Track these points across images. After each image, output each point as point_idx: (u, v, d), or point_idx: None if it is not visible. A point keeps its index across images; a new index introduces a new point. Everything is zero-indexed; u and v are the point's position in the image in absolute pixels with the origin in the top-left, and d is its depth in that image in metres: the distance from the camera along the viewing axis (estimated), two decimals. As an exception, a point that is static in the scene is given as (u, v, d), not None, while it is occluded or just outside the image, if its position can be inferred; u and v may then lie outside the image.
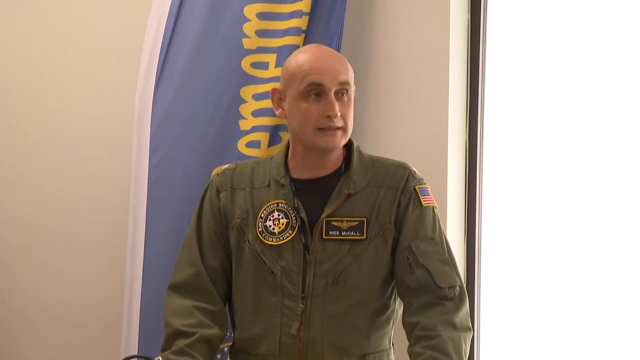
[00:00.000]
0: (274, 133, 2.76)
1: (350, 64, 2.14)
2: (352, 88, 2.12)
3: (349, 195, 2.12)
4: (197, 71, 2.83)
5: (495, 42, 2.92)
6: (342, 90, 2.08)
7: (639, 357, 2.75)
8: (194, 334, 2.08)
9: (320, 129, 2.07)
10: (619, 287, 2.78)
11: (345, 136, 2.12)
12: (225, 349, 2.62)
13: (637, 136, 2.76)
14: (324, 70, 2.06)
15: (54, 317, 3.33)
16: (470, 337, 2.06)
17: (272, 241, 2.12)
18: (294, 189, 2.14)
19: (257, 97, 2.77)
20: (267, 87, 2.73)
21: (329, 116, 2.06)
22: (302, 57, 2.11)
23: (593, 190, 2.81)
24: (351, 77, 2.12)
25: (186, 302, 2.13)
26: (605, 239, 2.79)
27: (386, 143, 2.81)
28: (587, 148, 2.82)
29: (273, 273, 2.11)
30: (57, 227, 3.33)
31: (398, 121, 2.86)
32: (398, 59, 2.86)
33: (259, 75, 2.77)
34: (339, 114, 2.06)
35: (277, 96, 2.16)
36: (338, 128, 2.08)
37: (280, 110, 2.16)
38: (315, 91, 2.06)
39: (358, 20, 2.89)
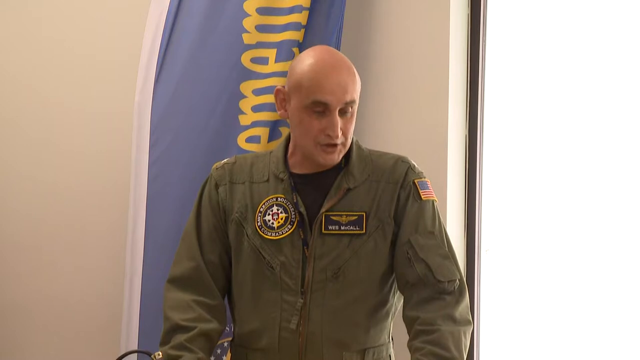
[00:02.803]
0: (274, 128, 2.75)
1: (350, 60, 2.10)
2: (357, 101, 2.09)
3: (348, 190, 2.11)
4: (197, 66, 2.83)
5: (495, 38, 2.92)
6: (346, 108, 2.06)
7: (638, 351, 2.75)
8: (193, 328, 2.08)
9: (320, 145, 2.06)
10: (618, 282, 2.78)
11: (344, 150, 2.11)
12: (225, 343, 2.62)
13: (636, 131, 2.76)
14: (331, 89, 2.02)
15: (54, 311, 3.33)
16: (471, 330, 2.05)
17: (271, 236, 2.12)
18: (292, 184, 2.14)
19: (257, 92, 2.77)
20: (267, 82, 2.73)
21: (329, 135, 2.05)
22: (310, 67, 2.04)
23: (592, 185, 2.82)
24: (358, 92, 2.09)
25: (185, 296, 2.13)
26: (604, 234, 2.80)
27: (386, 138, 2.81)
28: (587, 144, 2.83)
29: (272, 268, 2.11)
30: (57, 223, 3.33)
31: (398, 118, 2.86)
32: (398, 55, 2.86)
33: (259, 70, 2.77)
34: (340, 134, 2.05)
35: (281, 97, 2.13)
36: (338, 144, 2.07)
37: (282, 111, 2.13)
38: (319, 109, 2.04)
39: (358, 15, 2.89)
